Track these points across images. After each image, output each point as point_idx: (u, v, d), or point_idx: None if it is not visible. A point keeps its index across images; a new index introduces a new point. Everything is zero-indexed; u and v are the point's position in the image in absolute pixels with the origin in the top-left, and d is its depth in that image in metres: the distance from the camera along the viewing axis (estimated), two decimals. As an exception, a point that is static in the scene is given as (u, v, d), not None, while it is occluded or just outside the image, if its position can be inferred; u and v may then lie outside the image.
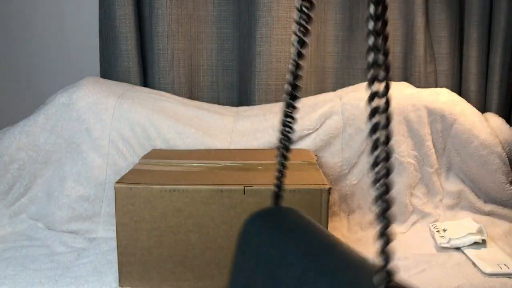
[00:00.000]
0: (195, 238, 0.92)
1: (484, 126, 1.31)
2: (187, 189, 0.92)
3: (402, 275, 0.99)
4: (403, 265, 1.04)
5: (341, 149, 1.32)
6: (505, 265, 1.03)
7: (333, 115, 1.33)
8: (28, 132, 1.31)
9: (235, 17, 1.51)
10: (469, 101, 1.39)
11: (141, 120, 1.30)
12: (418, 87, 1.43)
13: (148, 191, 0.92)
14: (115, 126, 1.29)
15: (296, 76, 0.51)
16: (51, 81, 1.62)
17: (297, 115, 0.53)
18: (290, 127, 0.54)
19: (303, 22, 0.49)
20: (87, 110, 1.30)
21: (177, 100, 1.41)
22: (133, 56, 1.45)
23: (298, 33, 0.50)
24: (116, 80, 1.46)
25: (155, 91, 1.45)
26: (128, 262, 0.94)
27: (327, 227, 0.94)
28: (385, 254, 0.35)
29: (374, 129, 0.35)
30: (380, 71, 0.35)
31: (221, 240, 0.92)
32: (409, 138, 1.33)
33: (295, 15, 0.50)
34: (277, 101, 1.45)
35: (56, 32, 1.61)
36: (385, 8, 0.35)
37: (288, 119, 0.53)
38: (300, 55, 0.51)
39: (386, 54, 0.34)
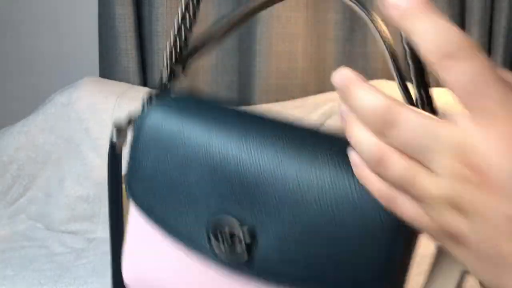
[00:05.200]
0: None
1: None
2: (187, 190, 0.91)
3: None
4: (404, 266, 1.04)
5: (341, 149, 1.32)
6: (506, 265, 1.02)
7: (333, 115, 1.32)
8: (27, 132, 1.30)
9: (235, 17, 1.51)
10: (470, 101, 1.39)
11: (140, 120, 1.29)
12: (418, 86, 1.43)
13: (147, 191, 0.91)
14: (114, 126, 1.29)
15: None
16: (50, 81, 1.61)
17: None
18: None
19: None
20: (87, 110, 1.30)
21: (176, 100, 1.40)
22: (133, 56, 1.45)
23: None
24: (116, 80, 1.45)
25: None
26: (128, 263, 0.93)
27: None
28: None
29: None
30: None
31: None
32: (410, 138, 1.32)
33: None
34: (277, 101, 1.45)
35: (55, 32, 1.61)
36: None
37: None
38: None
39: None
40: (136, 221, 0.47)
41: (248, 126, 0.41)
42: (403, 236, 0.38)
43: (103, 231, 1.21)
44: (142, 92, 1.40)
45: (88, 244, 1.16)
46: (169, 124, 0.45)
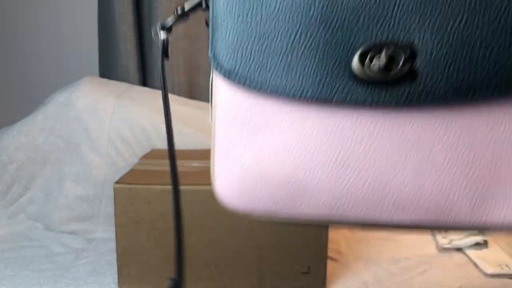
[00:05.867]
0: (195, 239, 0.92)
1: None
2: (187, 189, 0.91)
3: (403, 276, 0.98)
4: (404, 266, 1.04)
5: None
6: (506, 265, 1.02)
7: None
8: (26, 132, 1.30)
9: (235, 17, 1.51)
10: (470, 101, 1.38)
11: (140, 120, 1.29)
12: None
13: (147, 191, 0.91)
14: (114, 126, 1.29)
15: None
16: (49, 80, 1.61)
17: None
18: None
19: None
20: (86, 110, 1.30)
21: (177, 100, 1.40)
22: (132, 56, 1.44)
23: None
24: (115, 79, 1.45)
25: (154, 90, 1.44)
26: (127, 263, 0.93)
27: (327, 227, 0.93)
28: None
29: None
30: None
31: (221, 241, 0.92)
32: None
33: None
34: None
35: (55, 32, 1.61)
36: None
37: None
38: None
39: None
40: (226, 104, 0.38)
41: None
42: None
43: (103, 232, 1.21)
44: (142, 92, 1.40)
45: (88, 244, 1.16)
46: None
